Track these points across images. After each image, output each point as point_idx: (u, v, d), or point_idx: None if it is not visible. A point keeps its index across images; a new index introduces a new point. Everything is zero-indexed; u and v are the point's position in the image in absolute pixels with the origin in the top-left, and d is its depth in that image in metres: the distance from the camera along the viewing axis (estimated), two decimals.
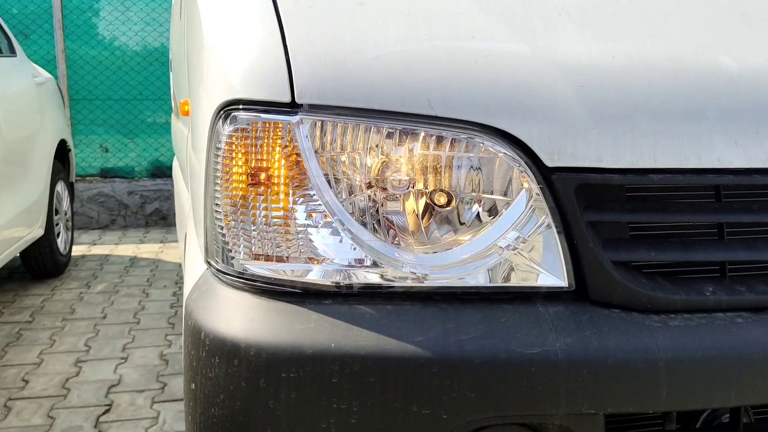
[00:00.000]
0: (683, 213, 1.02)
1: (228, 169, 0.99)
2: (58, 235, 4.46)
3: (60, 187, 4.45)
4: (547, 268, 0.99)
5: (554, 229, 0.98)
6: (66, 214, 4.68)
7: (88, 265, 4.96)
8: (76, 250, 5.42)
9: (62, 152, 4.48)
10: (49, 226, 4.17)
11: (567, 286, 1.00)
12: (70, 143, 4.65)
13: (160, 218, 6.33)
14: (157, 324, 3.74)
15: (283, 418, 0.91)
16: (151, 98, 6.22)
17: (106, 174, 6.30)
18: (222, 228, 1.02)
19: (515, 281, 1.00)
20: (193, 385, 0.99)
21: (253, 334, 0.93)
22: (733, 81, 1.03)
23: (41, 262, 4.27)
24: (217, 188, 1.02)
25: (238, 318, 0.96)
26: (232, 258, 1.01)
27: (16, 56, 4.06)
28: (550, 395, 0.90)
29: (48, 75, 4.50)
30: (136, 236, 6.04)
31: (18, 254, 4.21)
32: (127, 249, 5.56)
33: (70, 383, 3.00)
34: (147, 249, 5.57)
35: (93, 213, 6.15)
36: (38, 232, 3.99)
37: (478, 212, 1.00)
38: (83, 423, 2.63)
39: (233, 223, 1.01)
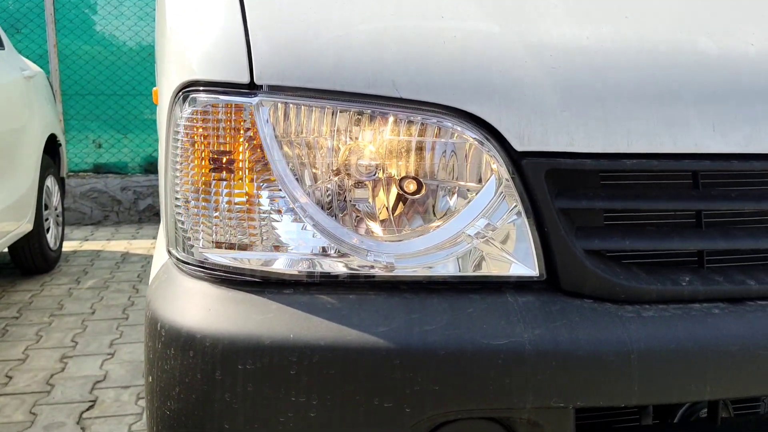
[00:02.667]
0: (659, 200, 0.99)
1: (186, 154, 0.96)
2: (48, 230, 4.43)
3: (50, 181, 4.42)
4: (517, 257, 0.96)
5: (524, 217, 0.95)
6: (56, 210, 4.65)
7: (80, 260, 4.93)
8: (68, 246, 5.38)
9: (52, 147, 4.44)
10: (38, 221, 4.14)
11: (538, 275, 0.96)
12: (61, 138, 4.61)
13: (154, 214, 6.30)
14: None
15: (240, 412, 0.87)
16: (144, 93, 6.18)
17: (99, 170, 6.27)
18: (181, 215, 0.98)
19: (484, 270, 0.96)
20: (150, 378, 0.96)
21: (209, 325, 0.89)
22: (712, 63, 0.99)
23: (30, 258, 4.24)
24: (176, 174, 0.98)
25: (195, 308, 0.92)
26: (192, 247, 0.98)
27: (3, 49, 4.02)
28: (517, 388, 0.87)
29: (37, 69, 4.46)
30: (128, 232, 6.00)
31: (6, 249, 4.17)
32: (119, 245, 5.53)
33: (55, 379, 2.97)
34: (139, 245, 5.54)
35: (86, 209, 6.12)
36: (27, 227, 3.95)
37: (447, 199, 0.96)
38: (66, 419, 2.59)
39: (193, 210, 0.97)
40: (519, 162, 0.93)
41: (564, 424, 0.90)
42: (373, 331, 0.87)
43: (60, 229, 4.79)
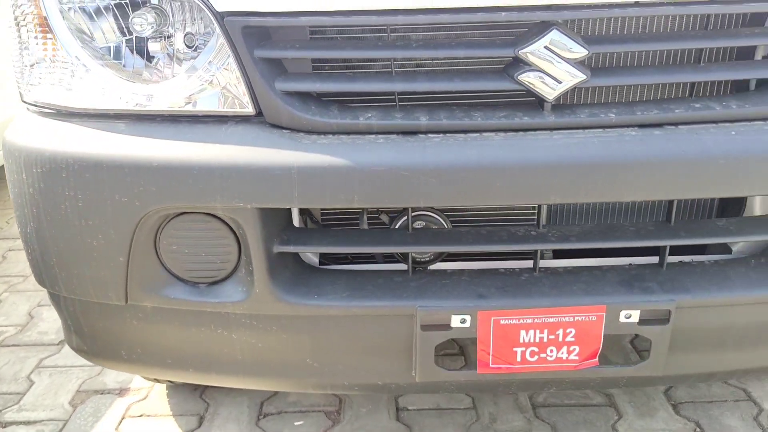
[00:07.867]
0: (356, 49, 1.21)
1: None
2: None
3: None
4: (236, 97, 1.25)
5: (235, 66, 1.23)
6: None
7: None
8: None
9: None
10: None
11: (251, 111, 1.25)
12: None
13: None
14: None
15: (39, 201, 1.29)
16: None
17: None
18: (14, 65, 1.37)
19: (213, 107, 1.26)
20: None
21: (21, 142, 1.31)
22: None
23: None
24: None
25: (22, 133, 1.34)
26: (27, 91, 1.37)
27: None
28: (208, 192, 1.20)
29: None
30: None
31: None
32: None
33: None
34: None
35: None
36: None
37: (185, 51, 1.26)
38: None
39: (18, 65, 1.36)
40: (222, 21, 1.20)
41: (252, 219, 1.22)
42: (114, 148, 1.23)
43: None
